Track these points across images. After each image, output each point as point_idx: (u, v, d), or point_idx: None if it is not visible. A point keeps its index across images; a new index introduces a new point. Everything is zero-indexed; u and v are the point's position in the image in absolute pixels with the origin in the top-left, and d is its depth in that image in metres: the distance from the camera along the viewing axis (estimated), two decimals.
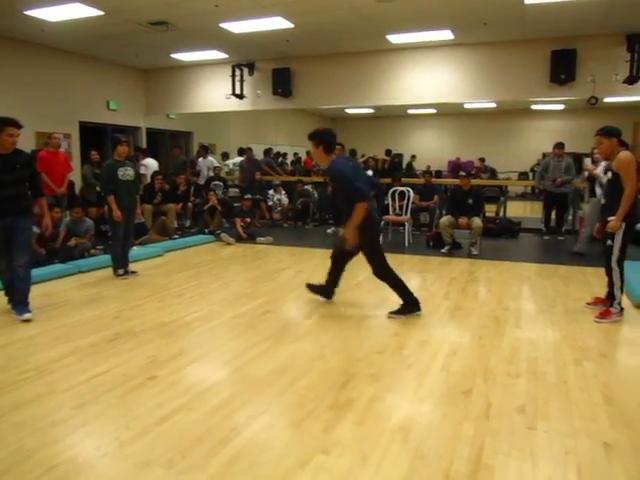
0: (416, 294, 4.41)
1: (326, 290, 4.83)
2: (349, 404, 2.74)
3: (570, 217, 9.22)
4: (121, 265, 5.90)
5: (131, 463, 2.21)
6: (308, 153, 14.71)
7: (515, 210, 12.43)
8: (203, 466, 2.19)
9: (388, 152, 12.57)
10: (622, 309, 4.29)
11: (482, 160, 14.95)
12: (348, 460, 2.22)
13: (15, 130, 4.20)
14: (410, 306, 4.39)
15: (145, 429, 2.50)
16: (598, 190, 6.81)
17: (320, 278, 4.91)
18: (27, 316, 4.30)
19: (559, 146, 8.44)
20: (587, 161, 7.59)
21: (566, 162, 8.33)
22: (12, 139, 4.19)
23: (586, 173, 7.45)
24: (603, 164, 6.60)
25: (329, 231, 9.25)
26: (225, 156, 12.75)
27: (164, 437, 2.43)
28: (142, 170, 9.61)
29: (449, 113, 18.32)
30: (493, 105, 14.84)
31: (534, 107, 16.37)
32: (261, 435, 2.45)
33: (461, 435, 2.42)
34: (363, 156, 12.47)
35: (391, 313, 4.38)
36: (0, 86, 8.32)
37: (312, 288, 4.89)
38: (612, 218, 4.10)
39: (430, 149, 19.27)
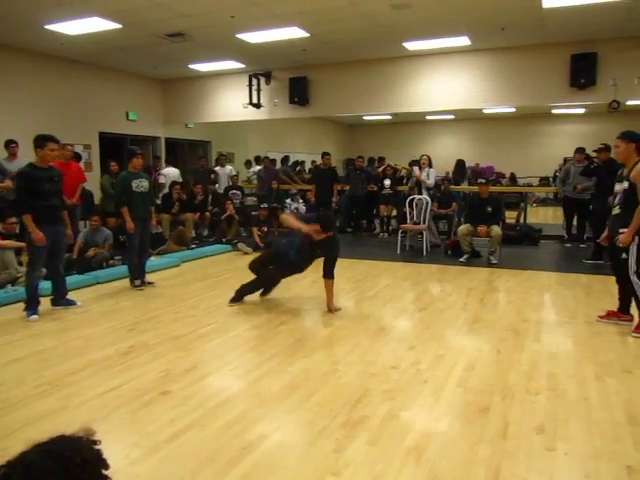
0: (434, 305, 4.33)
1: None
2: (362, 422, 2.69)
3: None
4: (138, 276, 5.93)
5: None
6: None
7: (536, 216, 12.26)
8: None
9: (412, 163, 12.52)
10: None
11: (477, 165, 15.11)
12: None
13: (55, 145, 4.66)
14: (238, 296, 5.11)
15: (156, 447, 2.48)
16: (424, 193, 8.21)
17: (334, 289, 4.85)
18: (80, 303, 5.08)
19: (579, 151, 8.30)
20: (415, 169, 8.53)
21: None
22: (53, 153, 4.69)
23: (414, 179, 8.41)
24: (427, 170, 8.23)
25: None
26: (248, 164, 12.76)
27: (174, 456, 2.41)
28: (161, 179, 9.70)
29: (468, 118, 18.15)
30: (512, 109, 14.65)
31: (555, 111, 16.14)
32: (272, 454, 2.41)
33: (477, 457, 2.35)
34: (382, 164, 12.40)
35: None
36: (21, 99, 8.47)
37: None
38: (624, 230, 3.97)
39: (449, 155, 18.97)
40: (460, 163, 11.96)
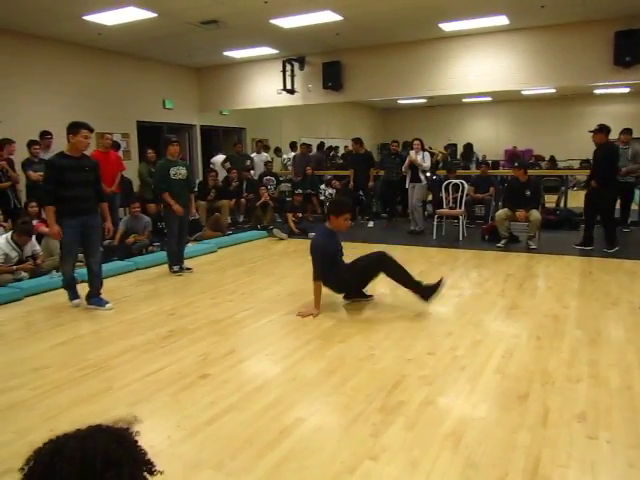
0: (471, 291, 4.27)
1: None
2: (399, 407, 2.69)
3: (637, 207, 8.74)
4: (176, 262, 6.04)
5: (181, 464, 2.24)
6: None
7: (578, 200, 11.90)
8: (251, 468, 2.20)
9: (447, 147, 12.47)
10: None
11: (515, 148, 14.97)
12: (397, 467, 2.17)
13: (88, 133, 4.51)
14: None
15: (196, 429, 2.54)
16: (422, 176, 8.33)
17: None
18: (109, 306, 4.69)
19: (626, 132, 8.00)
20: (412, 152, 8.40)
21: (633, 149, 7.88)
22: (86, 141, 4.52)
23: (408, 162, 8.32)
24: (421, 153, 8.27)
25: (370, 225, 9.55)
26: (278, 151, 12.80)
27: (214, 437, 2.46)
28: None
29: (505, 100, 17.67)
30: (552, 90, 14.21)
31: (597, 91, 15.57)
32: (309, 438, 2.44)
33: (516, 444, 2.32)
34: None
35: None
36: (60, 89, 8.66)
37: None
38: None
39: (486, 138, 18.66)
40: (468, 147, 11.88)
